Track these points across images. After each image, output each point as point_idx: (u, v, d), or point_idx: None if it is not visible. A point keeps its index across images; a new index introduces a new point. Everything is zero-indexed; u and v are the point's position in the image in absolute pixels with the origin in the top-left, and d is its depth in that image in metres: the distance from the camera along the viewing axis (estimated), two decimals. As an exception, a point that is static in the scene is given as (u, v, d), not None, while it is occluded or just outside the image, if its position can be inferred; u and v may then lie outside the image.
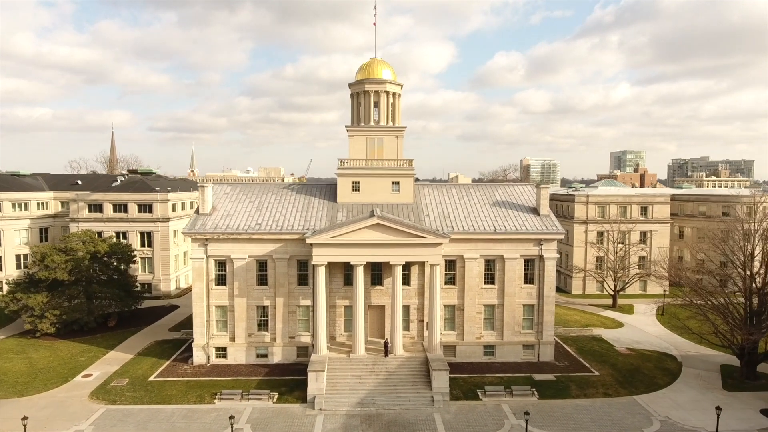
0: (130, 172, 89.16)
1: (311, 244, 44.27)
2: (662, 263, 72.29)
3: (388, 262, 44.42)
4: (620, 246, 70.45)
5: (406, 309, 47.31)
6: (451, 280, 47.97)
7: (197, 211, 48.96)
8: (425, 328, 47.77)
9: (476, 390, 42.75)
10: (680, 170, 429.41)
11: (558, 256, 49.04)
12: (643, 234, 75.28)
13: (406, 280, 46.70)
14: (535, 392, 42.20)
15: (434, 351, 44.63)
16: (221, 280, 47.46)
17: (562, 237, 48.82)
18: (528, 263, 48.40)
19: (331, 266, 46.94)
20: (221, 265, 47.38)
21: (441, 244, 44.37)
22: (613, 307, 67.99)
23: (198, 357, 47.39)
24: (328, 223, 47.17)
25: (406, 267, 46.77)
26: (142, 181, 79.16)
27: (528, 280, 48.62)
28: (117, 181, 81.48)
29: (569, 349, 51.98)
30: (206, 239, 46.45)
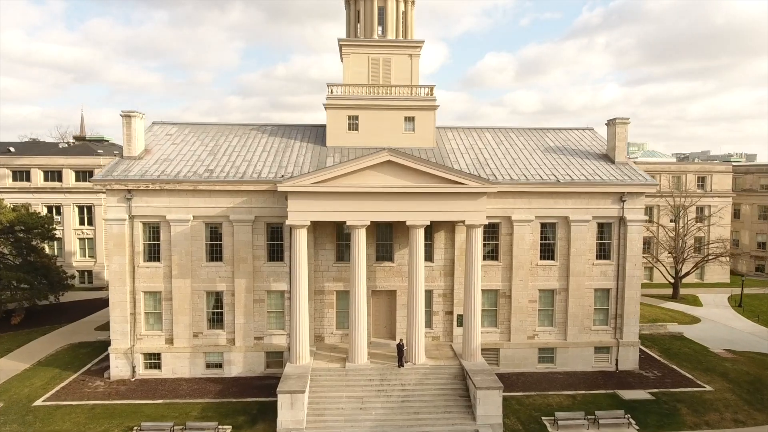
0: (77, 138, 71.78)
1: (286, 195, 28.16)
2: (726, 244, 57.21)
3: (404, 223, 28.41)
4: (680, 224, 55.08)
5: (428, 296, 31.32)
6: (491, 255, 32.03)
7: (122, 156, 32.62)
8: (454, 323, 31.87)
9: (541, 418, 26.78)
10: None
11: (646, 218, 33.32)
12: (700, 210, 60.11)
13: (427, 255, 30.81)
14: (632, 421, 26.43)
15: (472, 357, 28.69)
16: (153, 254, 31.06)
17: (654, 189, 33.08)
18: (603, 229, 32.67)
19: (317, 231, 30.90)
20: (153, 231, 31.02)
21: (485, 194, 28.44)
22: (674, 297, 52.43)
23: (117, 368, 30.82)
24: (312, 169, 30.99)
25: (428, 234, 30.84)
26: (85, 145, 62.37)
27: (602, 253, 32.84)
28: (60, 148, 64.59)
29: (650, 352, 36.28)
30: (129, 190, 30.09)
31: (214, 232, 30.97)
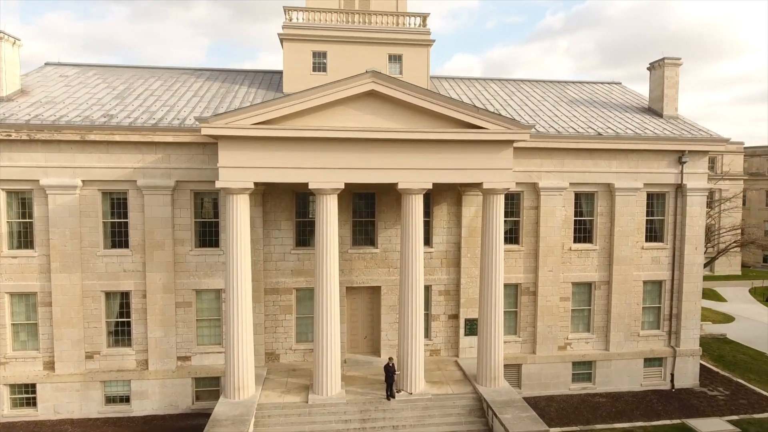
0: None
1: (215, 140, 18.67)
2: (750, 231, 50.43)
3: (391, 192, 19.31)
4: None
5: (424, 293, 22.35)
6: (509, 237, 23.07)
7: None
8: (461, 330, 22.86)
9: (598, 470, 18.20)
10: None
11: (711, 187, 25.08)
12: (710, 195, 53.36)
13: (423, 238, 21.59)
14: (725, 469, 18.03)
15: (493, 381, 19.70)
16: (23, 238, 20.97)
17: (721, 147, 24.83)
18: (653, 202, 24.35)
19: (268, 202, 21.36)
20: (22, 203, 20.89)
21: (511, 144, 19.50)
22: (691, 292, 45.20)
23: (-34, 409, 20.69)
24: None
25: (423, 210, 21.74)
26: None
27: (653, 234, 24.59)
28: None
29: (702, 361, 28.27)
30: (-20, 142, 19.94)
31: (117, 206, 20.98)
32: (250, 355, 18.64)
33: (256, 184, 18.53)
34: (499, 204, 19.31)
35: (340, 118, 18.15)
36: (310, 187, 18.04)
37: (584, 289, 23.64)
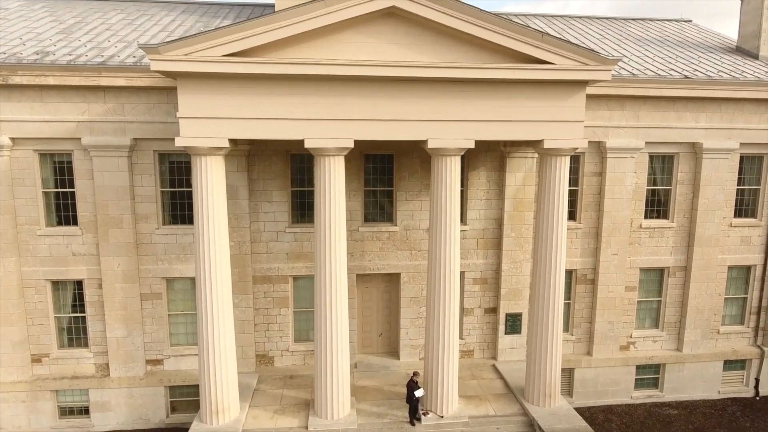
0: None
1: (173, 78, 13.79)
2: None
3: (423, 145, 14.20)
4: None
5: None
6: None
7: None
8: (501, 328, 18.19)
9: None
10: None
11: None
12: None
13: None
14: None
15: (547, 398, 15.18)
16: (-58, 212, 16.38)
17: None
18: (745, 167, 19.07)
19: (255, 166, 16.23)
20: (-62, 167, 16.20)
21: (585, 85, 14.17)
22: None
23: None
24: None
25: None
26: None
27: (743, 208, 19.45)
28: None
29: (780, 359, 23.65)
30: None
31: (60, 171, 16.17)
32: (231, 364, 14.11)
33: (233, 142, 13.50)
34: (563, 168, 14.14)
35: (347, 48, 12.85)
36: (307, 146, 12.97)
37: (654, 276, 18.69)
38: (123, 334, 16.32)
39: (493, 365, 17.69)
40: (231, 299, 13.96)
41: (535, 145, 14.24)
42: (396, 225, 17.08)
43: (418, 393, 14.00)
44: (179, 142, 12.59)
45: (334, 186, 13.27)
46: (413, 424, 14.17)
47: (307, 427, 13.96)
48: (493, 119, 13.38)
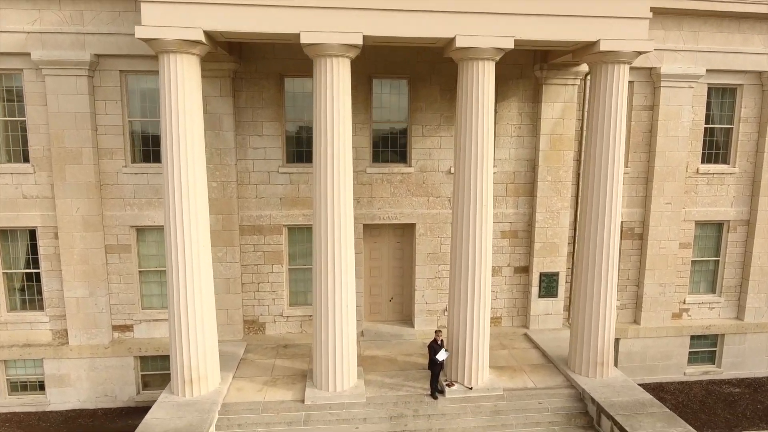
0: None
1: None
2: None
3: (449, 49, 11.20)
4: None
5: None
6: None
7: None
8: (534, 290, 15.34)
9: None
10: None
11: None
12: None
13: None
14: None
15: (596, 367, 12.03)
16: None
17: None
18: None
19: (242, 91, 13.17)
20: None
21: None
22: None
23: None
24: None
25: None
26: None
27: (817, 150, 16.61)
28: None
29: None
30: None
31: (8, 95, 13.35)
32: (209, 326, 11.30)
33: (212, 44, 10.69)
34: (622, 81, 11.28)
35: None
36: (303, 41, 10.16)
37: (712, 231, 15.85)
38: (84, 293, 13.51)
39: (525, 334, 14.85)
40: (209, 249, 11.14)
41: (585, 52, 11.40)
42: (410, 166, 14.26)
43: (442, 355, 11.16)
44: (140, 33, 9.78)
45: (337, 98, 10.46)
46: (435, 397, 11.33)
47: (303, 400, 11.14)
48: (537, 12, 10.56)
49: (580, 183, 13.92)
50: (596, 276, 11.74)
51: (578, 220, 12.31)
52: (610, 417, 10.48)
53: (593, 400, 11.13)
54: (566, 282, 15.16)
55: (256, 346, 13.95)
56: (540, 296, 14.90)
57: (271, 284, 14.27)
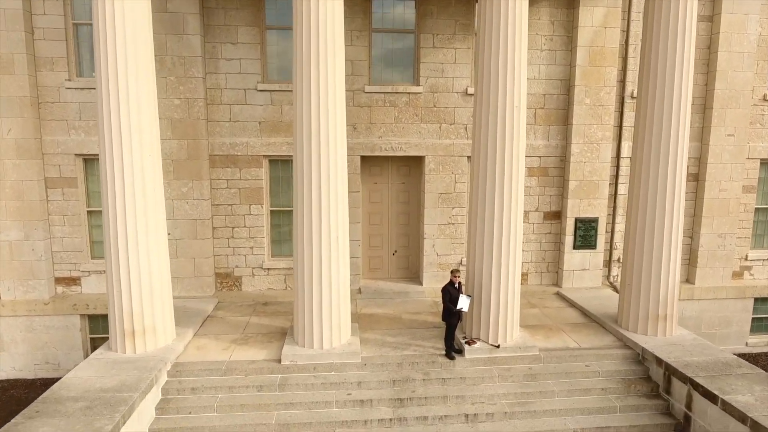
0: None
1: None
2: None
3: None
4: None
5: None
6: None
7: None
8: (567, 240, 12.62)
9: None
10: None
11: None
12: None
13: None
14: None
15: (657, 322, 9.27)
16: None
17: None
18: None
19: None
20: None
21: None
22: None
23: None
24: None
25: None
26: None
27: None
28: None
29: None
30: None
31: (-76, -9, 10.88)
32: (160, 268, 8.66)
33: None
34: (693, -53, 8.67)
35: None
36: None
37: (780, 172, 13.14)
38: (18, 236, 10.92)
39: (557, 293, 12.14)
40: (159, 175, 8.46)
41: None
42: (419, 85, 11.61)
43: (463, 302, 8.47)
44: None
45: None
46: (452, 358, 8.64)
47: (279, 360, 8.48)
48: None
49: (639, 101, 11.19)
50: (659, 209, 9.02)
51: (633, 151, 9.62)
52: (687, 380, 7.75)
53: (660, 361, 8.40)
54: (606, 231, 12.44)
55: (229, 304, 11.30)
56: (575, 247, 12.18)
57: (248, 229, 11.64)
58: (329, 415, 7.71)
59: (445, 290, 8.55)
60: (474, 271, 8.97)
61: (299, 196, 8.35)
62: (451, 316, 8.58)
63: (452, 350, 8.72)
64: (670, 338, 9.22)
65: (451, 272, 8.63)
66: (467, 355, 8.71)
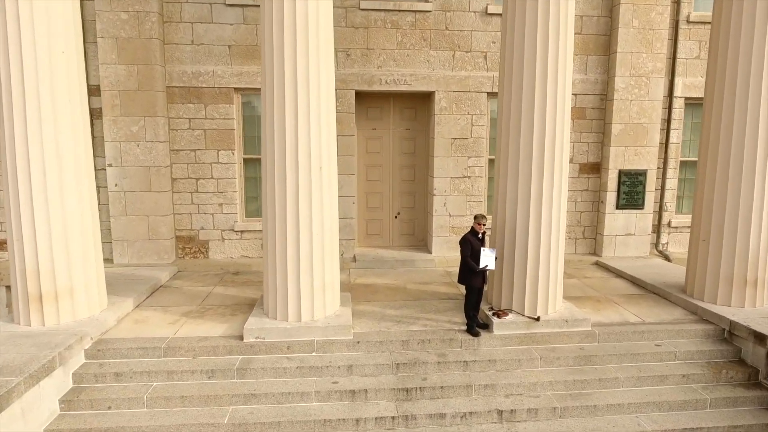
0: None
1: None
2: None
3: None
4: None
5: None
6: None
7: None
8: (608, 197, 10.34)
9: None
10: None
11: None
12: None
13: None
14: None
15: (749, 286, 6.93)
16: None
17: None
18: None
19: None
20: None
21: None
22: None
23: None
24: None
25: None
26: None
27: None
28: None
29: None
30: None
31: None
32: (78, 214, 6.37)
33: None
34: None
35: None
36: None
37: None
38: (-75, 186, 8.64)
39: (596, 263, 9.85)
40: (82, 96, 6.24)
41: None
42: (427, 0, 9.31)
43: (487, 258, 6.15)
44: None
45: None
46: (475, 334, 6.32)
47: (241, 336, 6.21)
48: None
49: (687, 37, 8.92)
50: (749, 144, 6.73)
51: (707, 81, 7.26)
52: (814, 362, 5.47)
53: (761, 338, 6.11)
54: (656, 188, 10.13)
55: (191, 273, 9.01)
56: (618, 207, 9.86)
57: (216, 182, 9.33)
58: (306, 411, 5.40)
59: (465, 241, 6.23)
60: (504, 223, 6.67)
61: (268, 113, 6.05)
62: (472, 277, 6.26)
63: (476, 323, 6.42)
64: (762, 309, 6.92)
65: (475, 218, 6.31)
66: (496, 331, 6.41)
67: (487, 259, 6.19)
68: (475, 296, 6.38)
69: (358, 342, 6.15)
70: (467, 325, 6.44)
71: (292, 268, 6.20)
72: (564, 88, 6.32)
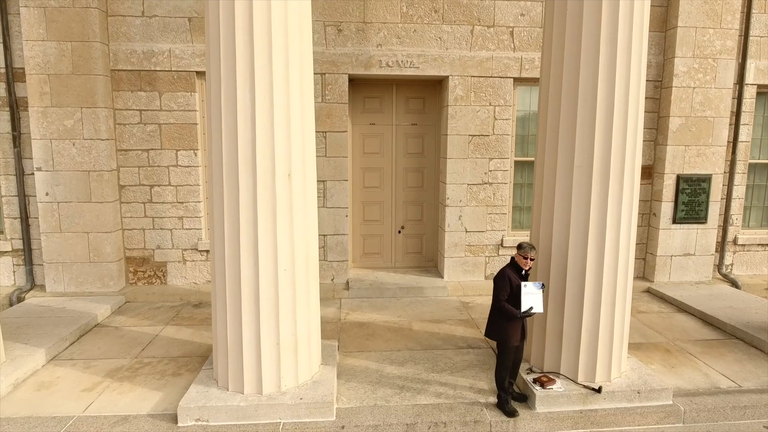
0: None
1: None
2: None
3: None
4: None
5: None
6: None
7: None
8: (662, 208, 8.42)
9: None
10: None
11: None
12: None
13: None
14: None
15: None
16: None
17: None
18: None
19: None
20: None
21: None
22: None
23: None
24: None
25: None
26: None
27: None
28: None
29: None
30: None
31: None
32: None
33: None
34: None
35: None
36: None
37: None
38: None
39: (648, 290, 7.92)
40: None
41: None
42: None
43: (531, 296, 4.28)
44: None
45: None
46: (510, 412, 4.44)
47: (176, 417, 4.34)
48: None
49: (761, 10, 6.98)
50: None
51: None
52: None
53: None
54: (722, 197, 8.17)
55: (142, 304, 7.15)
56: (676, 220, 7.92)
57: (175, 190, 7.46)
58: None
59: (502, 277, 4.30)
60: (550, 251, 4.75)
61: (213, 95, 4.17)
62: (509, 327, 4.35)
63: (509, 397, 4.51)
64: None
65: (519, 248, 4.38)
66: (539, 407, 4.49)
67: (531, 299, 4.27)
68: (511, 357, 4.46)
69: (343, 428, 4.26)
70: (498, 397, 4.52)
71: (248, 317, 4.31)
72: (639, 65, 4.40)
